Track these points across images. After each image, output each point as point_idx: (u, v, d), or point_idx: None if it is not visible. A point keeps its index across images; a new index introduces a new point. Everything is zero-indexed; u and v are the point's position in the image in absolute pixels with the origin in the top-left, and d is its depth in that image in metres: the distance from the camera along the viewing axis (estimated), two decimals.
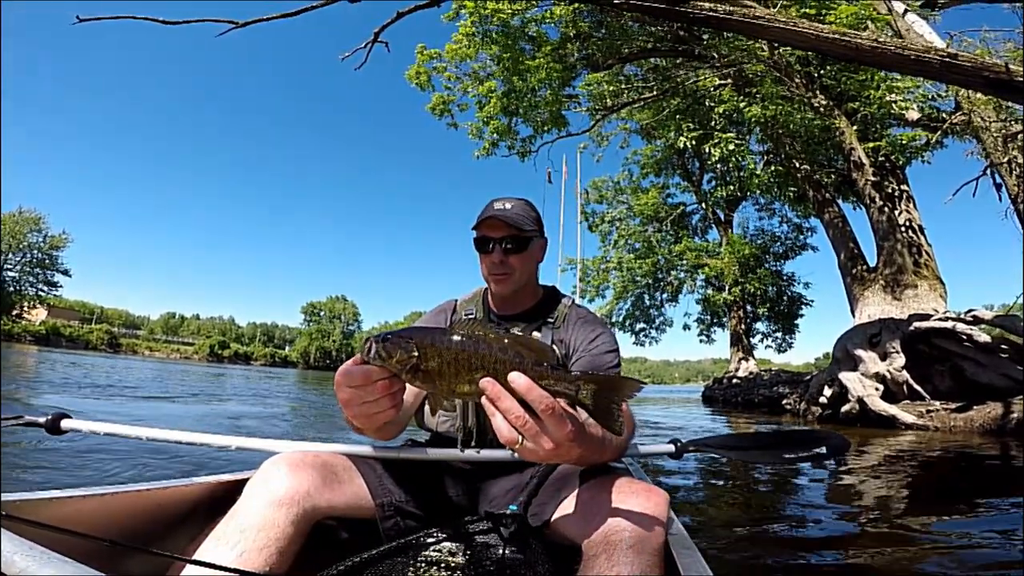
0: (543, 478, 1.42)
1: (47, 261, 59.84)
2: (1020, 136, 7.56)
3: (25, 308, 65.12)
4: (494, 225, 1.61)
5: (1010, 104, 8.09)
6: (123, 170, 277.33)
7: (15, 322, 62.44)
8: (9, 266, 57.38)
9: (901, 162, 12.46)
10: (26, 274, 59.15)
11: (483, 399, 0.85)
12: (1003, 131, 7.52)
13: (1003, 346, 9.84)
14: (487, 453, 1.50)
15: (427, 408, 1.63)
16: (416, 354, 0.88)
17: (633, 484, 1.20)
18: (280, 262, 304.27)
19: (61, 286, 63.46)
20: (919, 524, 3.31)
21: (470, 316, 1.74)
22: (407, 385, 0.96)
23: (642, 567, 1.01)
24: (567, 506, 1.28)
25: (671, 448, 1.83)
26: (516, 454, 0.87)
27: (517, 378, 0.83)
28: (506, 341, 0.90)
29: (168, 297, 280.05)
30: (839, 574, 2.54)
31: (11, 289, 58.38)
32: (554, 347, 1.60)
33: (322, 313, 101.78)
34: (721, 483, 4.74)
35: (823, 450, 1.82)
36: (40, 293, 61.68)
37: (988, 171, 9.01)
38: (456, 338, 0.89)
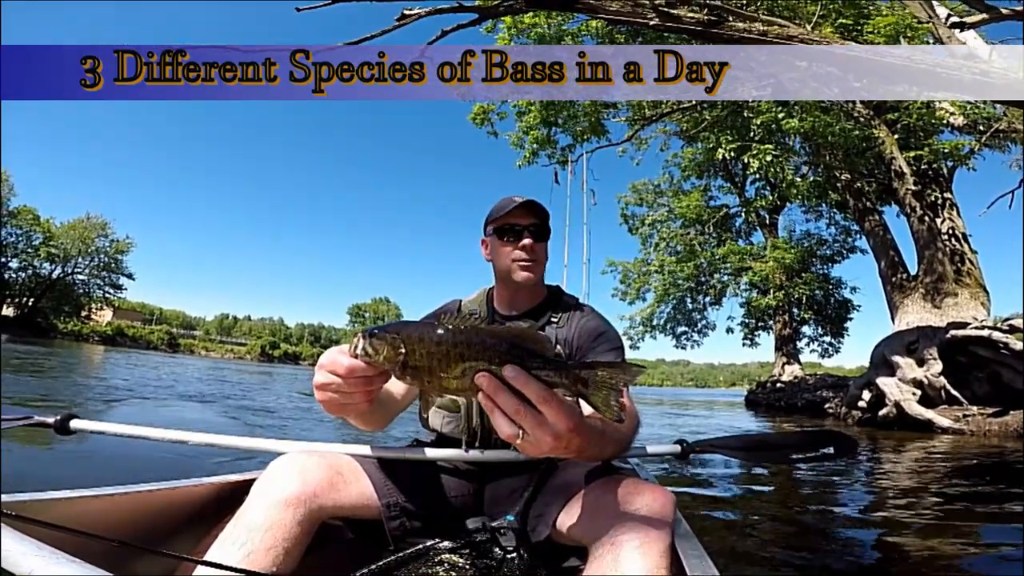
0: (540, 483, 1.44)
1: (113, 265, 61.40)
2: None
3: (93, 310, 66.89)
4: (523, 213, 1.63)
5: None
6: (175, 176, 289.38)
7: (84, 323, 64.50)
8: (79, 270, 59.89)
9: (945, 170, 12.40)
10: (94, 277, 60.88)
11: (480, 396, 0.84)
12: None
13: None
14: (491, 453, 1.50)
15: (431, 408, 1.65)
16: (403, 350, 0.87)
17: (639, 485, 1.20)
18: (326, 265, 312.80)
19: (126, 288, 65.07)
20: (934, 529, 3.26)
21: (474, 317, 1.82)
22: (399, 381, 0.95)
23: (648, 568, 1.00)
24: (572, 507, 1.28)
25: (677, 449, 1.82)
26: (518, 451, 0.84)
27: (510, 371, 0.81)
28: (499, 333, 0.87)
29: (222, 298, 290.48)
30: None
31: (80, 292, 60.28)
32: (558, 347, 1.60)
33: (366, 314, 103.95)
34: (729, 484, 4.68)
35: (830, 450, 1.82)
36: (107, 295, 63.36)
37: None
38: (444, 331, 0.86)
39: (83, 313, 65.02)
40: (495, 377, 0.82)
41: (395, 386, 1.48)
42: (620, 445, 1.22)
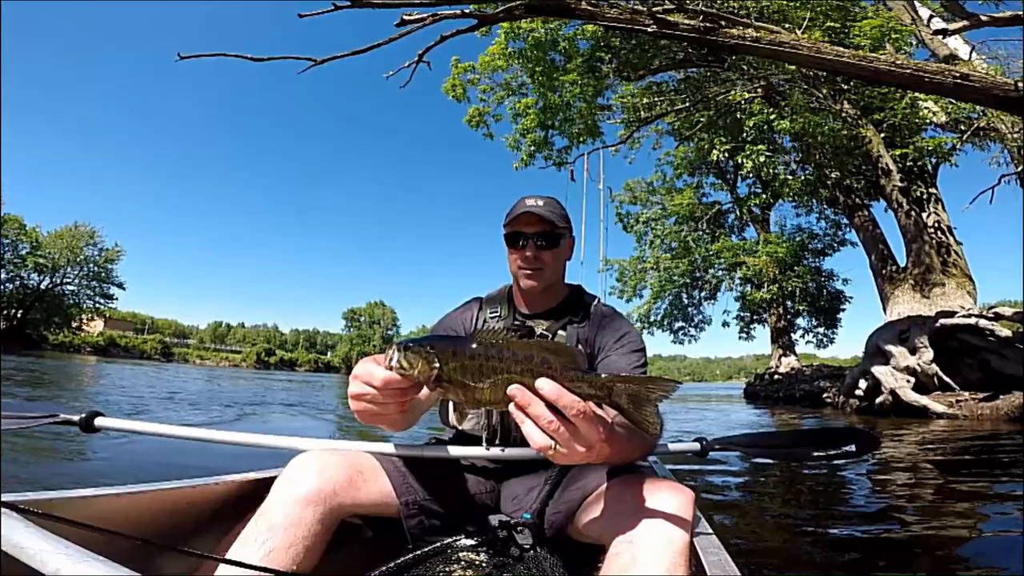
0: (558, 480, 1.44)
1: (103, 274, 60.09)
2: None
3: (84, 320, 65.24)
4: (529, 221, 1.60)
5: None
6: (163, 183, 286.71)
7: (75, 334, 63.07)
8: (68, 280, 57.91)
9: (929, 166, 12.91)
10: (83, 287, 59.43)
11: (511, 407, 0.84)
12: (1018, 140, 8.04)
13: None
14: (511, 451, 1.50)
15: (451, 407, 1.62)
16: (437, 364, 0.89)
17: (658, 483, 1.19)
18: (320, 270, 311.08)
19: (116, 298, 63.60)
20: (952, 519, 3.23)
21: (495, 316, 1.72)
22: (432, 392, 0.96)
23: (667, 566, 0.99)
24: (591, 505, 1.28)
25: (696, 447, 1.82)
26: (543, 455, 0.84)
27: (545, 384, 0.82)
28: (532, 347, 0.88)
29: (214, 306, 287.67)
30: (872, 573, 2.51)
31: (70, 302, 58.91)
32: (579, 347, 1.59)
33: (362, 319, 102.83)
34: (747, 481, 4.65)
35: (852, 448, 1.80)
36: (97, 305, 61.96)
37: (1011, 178, 9.45)
38: (478, 346, 0.88)
39: (74, 324, 63.55)
40: (527, 389, 0.83)
41: None
42: (646, 448, 1.23)
